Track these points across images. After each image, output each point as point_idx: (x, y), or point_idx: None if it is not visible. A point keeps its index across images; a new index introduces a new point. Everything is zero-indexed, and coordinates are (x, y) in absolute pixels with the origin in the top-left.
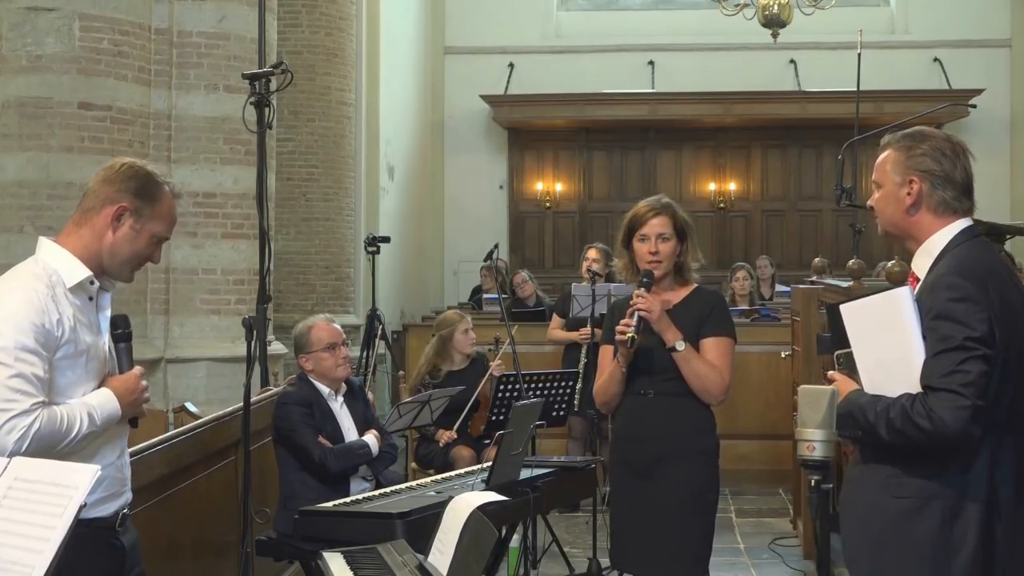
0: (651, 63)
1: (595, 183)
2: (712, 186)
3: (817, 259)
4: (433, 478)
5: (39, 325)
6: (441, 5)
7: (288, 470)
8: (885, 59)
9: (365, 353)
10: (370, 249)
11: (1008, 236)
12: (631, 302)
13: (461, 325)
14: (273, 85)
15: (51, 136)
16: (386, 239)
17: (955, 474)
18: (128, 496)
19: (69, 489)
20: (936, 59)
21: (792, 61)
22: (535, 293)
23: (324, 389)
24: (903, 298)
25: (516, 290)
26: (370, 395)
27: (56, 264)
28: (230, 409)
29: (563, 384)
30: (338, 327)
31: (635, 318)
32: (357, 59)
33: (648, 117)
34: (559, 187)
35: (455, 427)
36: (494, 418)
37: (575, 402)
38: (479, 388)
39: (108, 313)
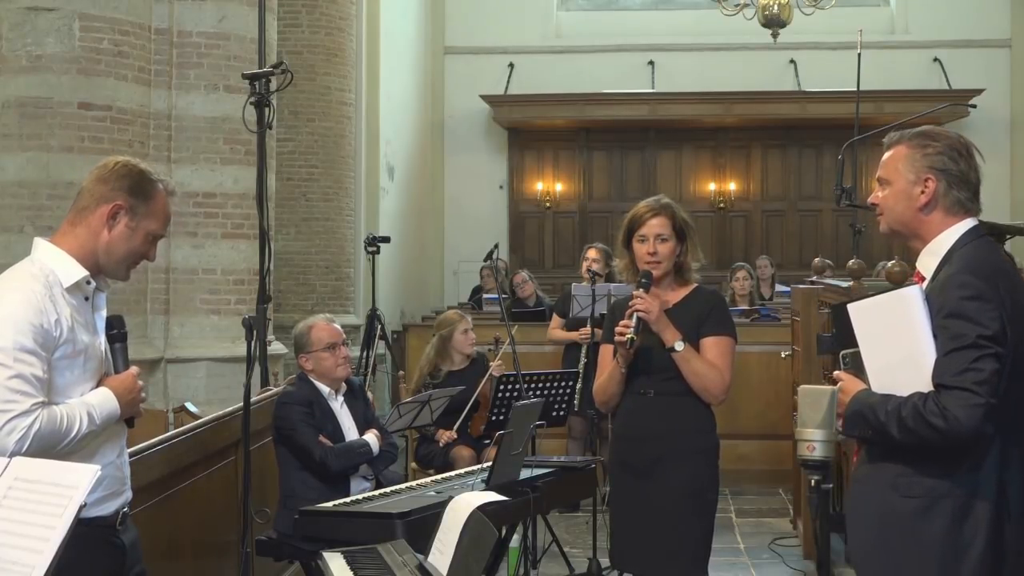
0: (651, 63)
1: (595, 183)
2: (712, 186)
3: (817, 259)
4: (433, 478)
5: (37, 325)
6: (441, 5)
7: (288, 470)
8: (885, 59)
9: (365, 353)
10: (370, 249)
11: (1008, 236)
12: (630, 303)
13: (461, 325)
14: (273, 85)
15: (51, 136)
16: (386, 239)
17: (965, 473)
18: (128, 495)
19: (69, 489)
20: (936, 59)
21: (792, 61)
22: (535, 293)
23: (324, 389)
24: (913, 297)
25: (516, 290)
26: (369, 395)
27: (53, 264)
28: (230, 409)
29: (563, 384)
30: (338, 327)
31: (634, 319)
32: (357, 59)
33: (648, 117)
34: (559, 187)
35: (455, 427)
36: (494, 418)
37: (575, 402)
38: (479, 388)
39: (104, 313)
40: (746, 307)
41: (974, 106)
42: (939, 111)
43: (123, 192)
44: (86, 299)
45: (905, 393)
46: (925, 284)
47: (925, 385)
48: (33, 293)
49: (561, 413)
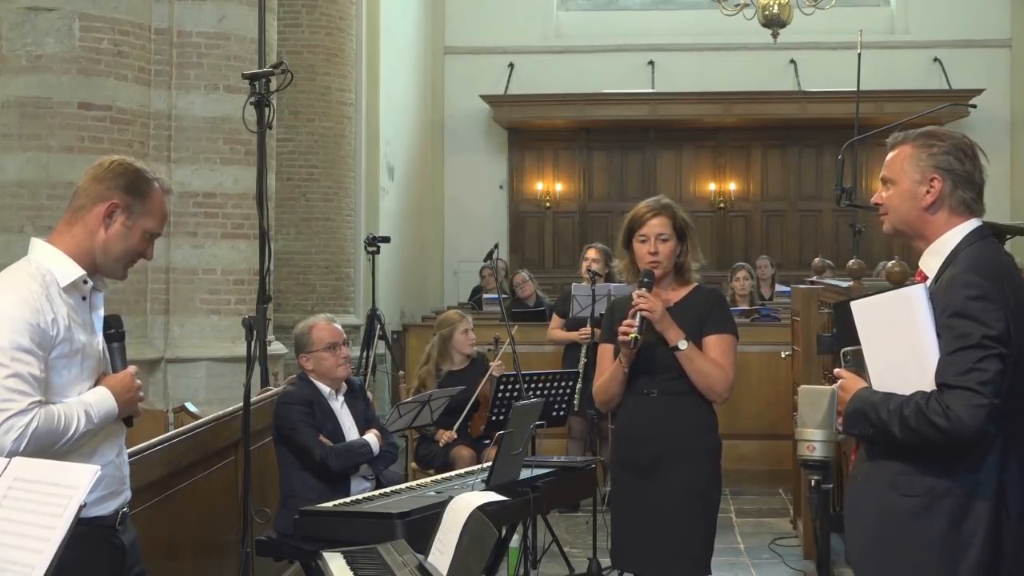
0: (651, 63)
1: (595, 183)
2: (712, 186)
3: (817, 259)
4: (433, 478)
5: (34, 324)
6: (441, 5)
7: (289, 470)
8: (885, 59)
9: (365, 353)
10: (370, 249)
11: (1008, 236)
12: (633, 302)
13: (461, 325)
14: (273, 85)
15: (51, 136)
16: (386, 239)
17: (965, 473)
18: (127, 495)
19: (69, 489)
20: (936, 59)
21: (792, 61)
22: (535, 293)
23: (324, 389)
24: (918, 296)
25: (516, 290)
26: (369, 395)
27: (49, 264)
28: (230, 409)
29: (563, 384)
30: (339, 327)
31: (637, 318)
32: (357, 59)
33: (648, 117)
34: (559, 187)
35: (455, 427)
36: (494, 418)
37: (575, 402)
38: (479, 388)
39: (102, 312)
40: (746, 307)
41: (974, 106)
42: (939, 111)
43: (119, 191)
44: (83, 299)
45: (907, 392)
46: (928, 283)
47: (927, 384)
48: (30, 292)
49: (561, 413)
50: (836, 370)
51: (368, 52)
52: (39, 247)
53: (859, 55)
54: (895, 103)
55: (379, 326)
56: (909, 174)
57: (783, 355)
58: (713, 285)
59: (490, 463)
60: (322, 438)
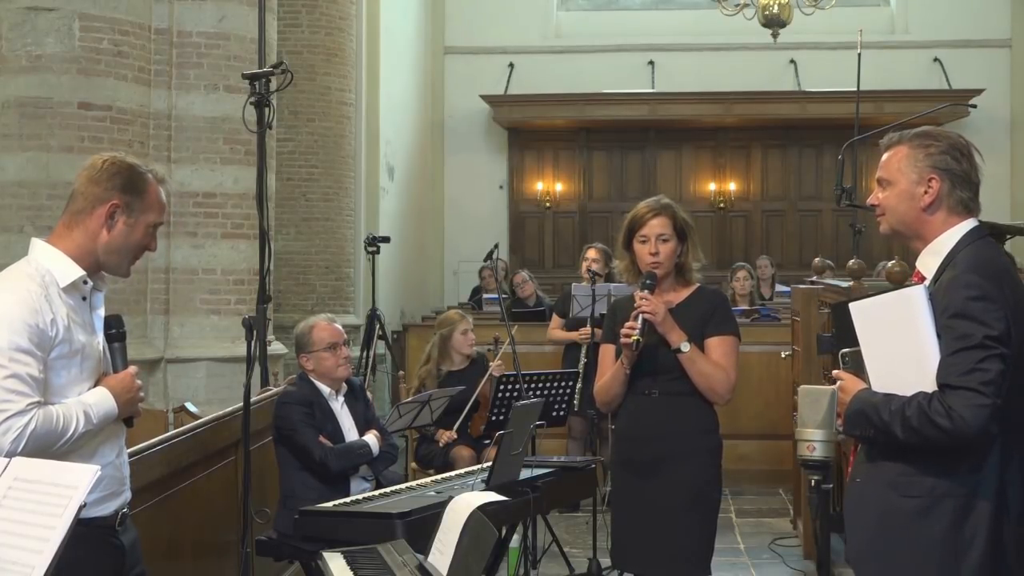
0: (651, 63)
1: (595, 183)
2: (712, 186)
3: (817, 259)
4: (433, 478)
5: (33, 325)
6: (441, 5)
7: (288, 470)
8: (885, 59)
9: (365, 353)
10: (370, 249)
11: (1008, 236)
12: (635, 305)
13: (461, 325)
14: (273, 85)
15: (51, 136)
16: (386, 239)
17: (966, 473)
18: (127, 495)
19: (69, 489)
20: (936, 59)
21: (792, 61)
22: (535, 293)
23: (325, 389)
24: (918, 297)
25: (516, 290)
26: (369, 395)
27: (49, 264)
28: (230, 409)
29: (563, 384)
30: (339, 327)
31: (639, 320)
32: (357, 59)
33: (648, 117)
34: (559, 187)
35: (455, 427)
36: (494, 418)
37: (575, 402)
38: (479, 388)
39: (102, 312)
40: (746, 307)
41: (974, 106)
42: (939, 111)
43: (117, 191)
44: (83, 299)
45: (907, 392)
46: (927, 284)
47: (928, 384)
48: (29, 293)
49: (561, 413)
50: (835, 371)
51: (368, 52)
52: (39, 247)
53: (859, 55)
54: (895, 103)
55: (379, 326)
56: (907, 175)
57: (783, 355)
58: (713, 286)
59: (490, 463)
60: (322, 439)
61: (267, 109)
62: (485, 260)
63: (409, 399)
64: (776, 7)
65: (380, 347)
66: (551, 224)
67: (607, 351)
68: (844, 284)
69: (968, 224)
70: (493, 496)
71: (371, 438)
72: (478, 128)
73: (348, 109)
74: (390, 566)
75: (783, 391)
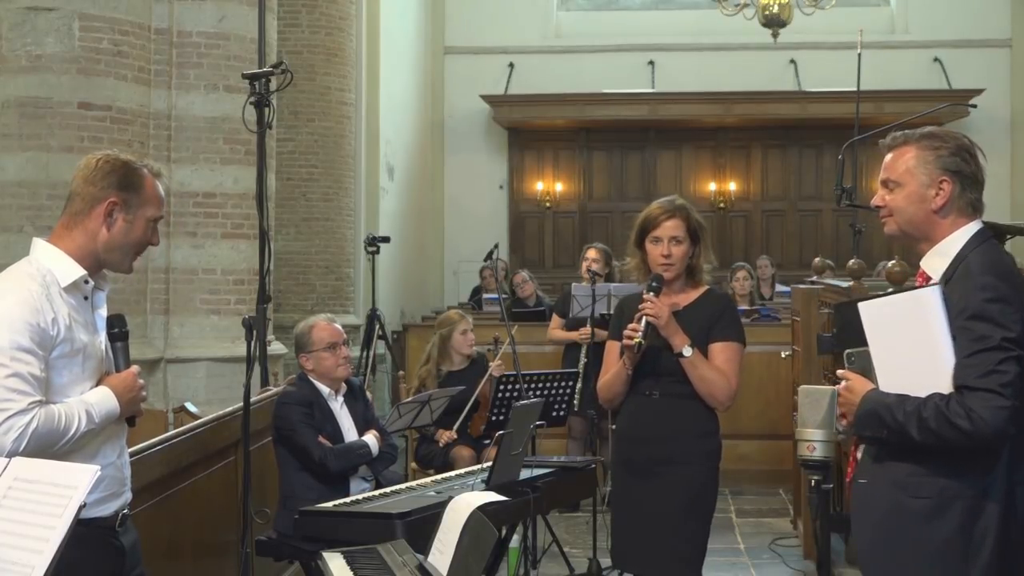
0: (651, 63)
1: (595, 183)
2: (712, 186)
3: (817, 259)
4: (433, 478)
5: (34, 324)
6: (441, 5)
7: (288, 470)
8: (885, 59)
9: (365, 353)
10: (370, 249)
11: (1008, 236)
12: (640, 306)
13: (460, 326)
14: (273, 85)
15: (51, 136)
16: (386, 239)
17: (976, 474)
18: (128, 496)
19: (69, 489)
20: (936, 59)
21: (792, 61)
22: (535, 293)
23: (324, 389)
24: (932, 297)
25: (516, 290)
26: (369, 395)
27: (50, 264)
28: (230, 409)
29: (563, 384)
30: (339, 327)
31: (642, 323)
32: (357, 59)
33: (648, 117)
34: (559, 187)
35: (455, 427)
36: (494, 418)
37: (575, 402)
38: (479, 388)
39: (104, 312)
40: (746, 307)
41: (974, 106)
42: (939, 111)
43: (113, 189)
44: (85, 298)
45: (919, 393)
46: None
47: (941, 385)
48: (30, 292)
49: (561, 413)
50: (840, 371)
51: (368, 52)
52: (40, 247)
53: (859, 55)
54: (895, 103)
55: (379, 326)
56: (917, 176)
57: (783, 355)
58: (714, 286)
59: (490, 463)
60: (321, 439)
61: (267, 109)
62: (485, 260)
63: (409, 399)
64: (776, 7)
65: (380, 347)
66: (551, 224)
67: (612, 347)
68: (844, 284)
69: (975, 225)
70: (493, 496)
71: (371, 438)
72: (478, 128)
73: (348, 109)
74: (390, 566)
75: (783, 391)
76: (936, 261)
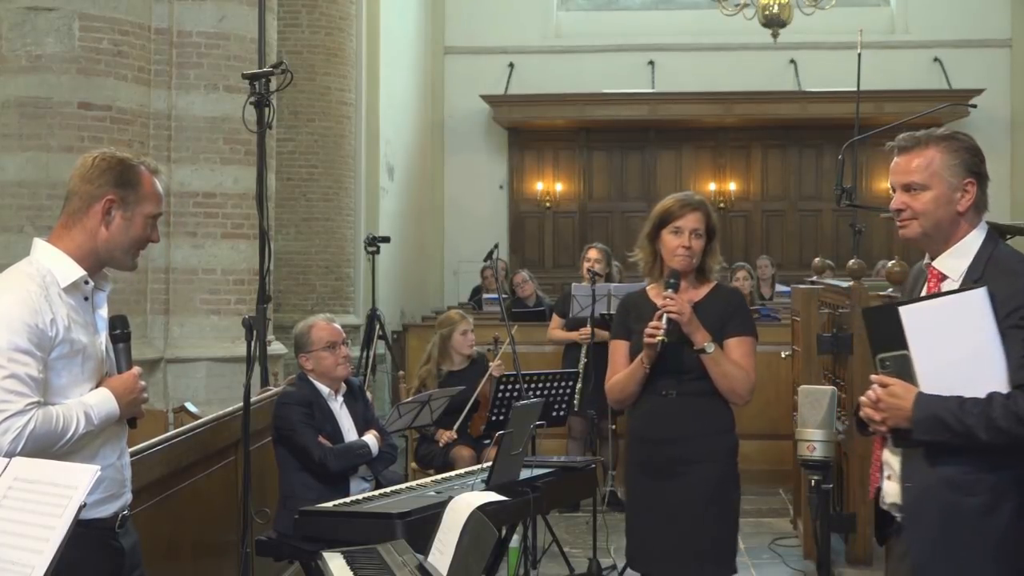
0: (651, 63)
1: (595, 183)
2: (712, 186)
3: (817, 259)
4: (433, 478)
5: (32, 325)
6: (441, 5)
7: (288, 470)
8: (885, 59)
9: (365, 353)
10: (370, 249)
11: (1008, 236)
12: (661, 303)
13: (461, 326)
14: (273, 85)
15: (51, 136)
16: (386, 239)
17: None
18: (128, 498)
19: (69, 489)
20: (936, 59)
21: (792, 61)
22: (535, 293)
23: (324, 389)
24: (981, 298)
25: (516, 290)
26: (368, 395)
27: (50, 264)
28: (230, 409)
29: (563, 384)
30: (338, 326)
31: (664, 320)
32: (357, 59)
33: (648, 117)
34: (559, 187)
35: (455, 427)
36: (494, 418)
37: (575, 402)
38: (479, 388)
39: (104, 312)
40: None
41: (974, 106)
42: (939, 111)
43: (110, 186)
44: (85, 299)
45: (969, 394)
46: (945, 284)
47: (994, 384)
48: (28, 293)
49: (561, 413)
50: (877, 376)
51: (368, 52)
52: (40, 247)
53: (859, 55)
54: (895, 103)
55: (379, 326)
56: (945, 179)
57: (783, 355)
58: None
59: (490, 463)
60: (321, 439)
61: (267, 109)
62: (485, 260)
63: (409, 399)
64: (776, 7)
65: (380, 347)
66: (551, 224)
67: (618, 347)
68: (844, 284)
69: (984, 225)
70: (493, 496)
71: (370, 438)
72: (478, 128)
73: (348, 109)
74: (390, 566)
75: (783, 391)
76: (953, 262)
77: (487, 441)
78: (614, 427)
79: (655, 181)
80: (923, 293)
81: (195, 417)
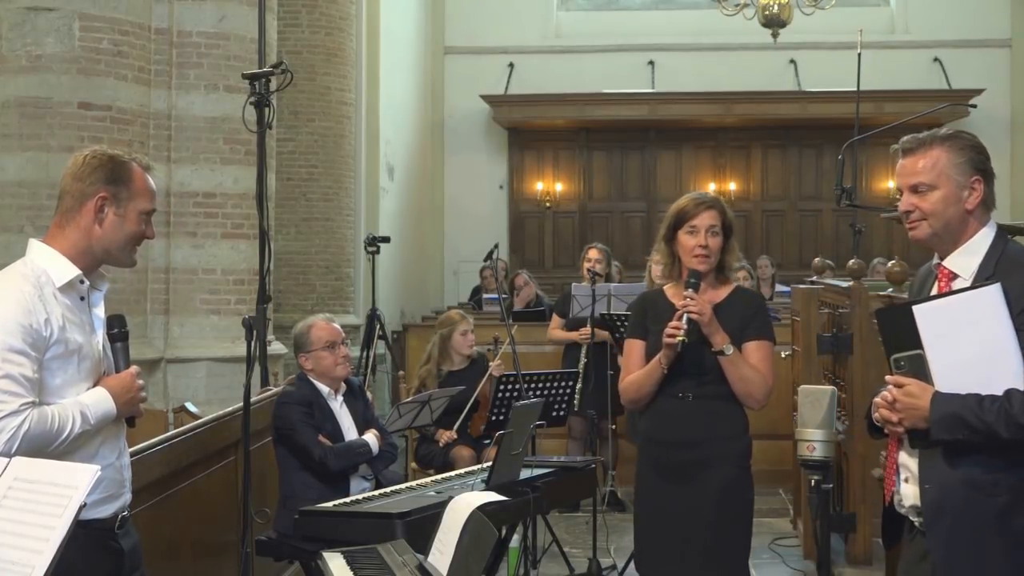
0: (651, 63)
1: (595, 183)
2: (712, 186)
3: (817, 259)
4: (433, 478)
5: (27, 326)
6: (441, 5)
7: (288, 470)
8: (885, 59)
9: (365, 353)
10: (370, 249)
11: (1009, 236)
12: (681, 303)
13: (461, 326)
14: (273, 85)
15: (51, 136)
16: (386, 239)
17: None
18: (127, 498)
19: (69, 489)
20: (936, 59)
21: (792, 61)
22: (535, 293)
23: (324, 388)
24: (995, 294)
25: (516, 292)
26: (369, 395)
27: (45, 264)
28: (230, 409)
29: (563, 384)
30: (337, 326)
31: (684, 320)
32: (357, 59)
33: (648, 117)
34: (559, 187)
35: (455, 427)
36: (494, 418)
37: (575, 402)
38: (479, 388)
39: (101, 312)
40: None
41: (974, 106)
42: (939, 111)
43: (101, 184)
44: (81, 299)
45: (983, 390)
46: (956, 283)
47: (1011, 381)
48: (22, 293)
49: (561, 413)
50: (892, 376)
51: (368, 52)
52: (36, 248)
53: (859, 55)
54: (895, 103)
55: (379, 326)
56: (953, 178)
57: (783, 355)
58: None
59: (490, 463)
60: (321, 438)
61: (267, 109)
62: (485, 260)
63: (409, 399)
64: (776, 7)
65: (380, 347)
66: (551, 224)
67: (633, 347)
68: (844, 284)
69: (993, 222)
70: (493, 496)
71: (370, 437)
72: (478, 128)
73: (348, 109)
74: (390, 566)
75: (783, 391)
76: (964, 260)
77: (487, 441)
78: (614, 427)
79: (655, 181)
80: (933, 293)
81: (195, 417)
